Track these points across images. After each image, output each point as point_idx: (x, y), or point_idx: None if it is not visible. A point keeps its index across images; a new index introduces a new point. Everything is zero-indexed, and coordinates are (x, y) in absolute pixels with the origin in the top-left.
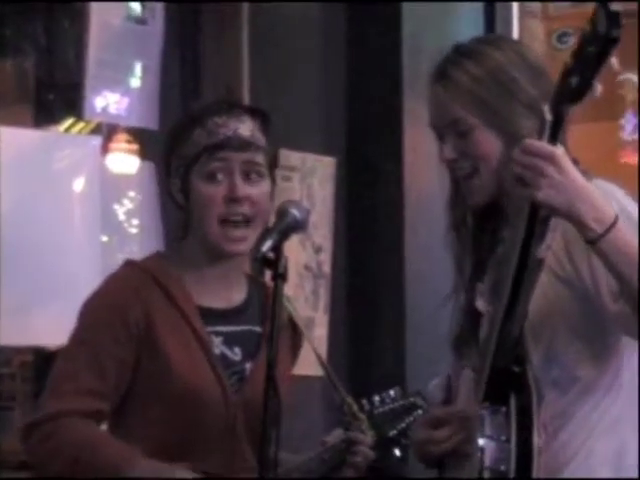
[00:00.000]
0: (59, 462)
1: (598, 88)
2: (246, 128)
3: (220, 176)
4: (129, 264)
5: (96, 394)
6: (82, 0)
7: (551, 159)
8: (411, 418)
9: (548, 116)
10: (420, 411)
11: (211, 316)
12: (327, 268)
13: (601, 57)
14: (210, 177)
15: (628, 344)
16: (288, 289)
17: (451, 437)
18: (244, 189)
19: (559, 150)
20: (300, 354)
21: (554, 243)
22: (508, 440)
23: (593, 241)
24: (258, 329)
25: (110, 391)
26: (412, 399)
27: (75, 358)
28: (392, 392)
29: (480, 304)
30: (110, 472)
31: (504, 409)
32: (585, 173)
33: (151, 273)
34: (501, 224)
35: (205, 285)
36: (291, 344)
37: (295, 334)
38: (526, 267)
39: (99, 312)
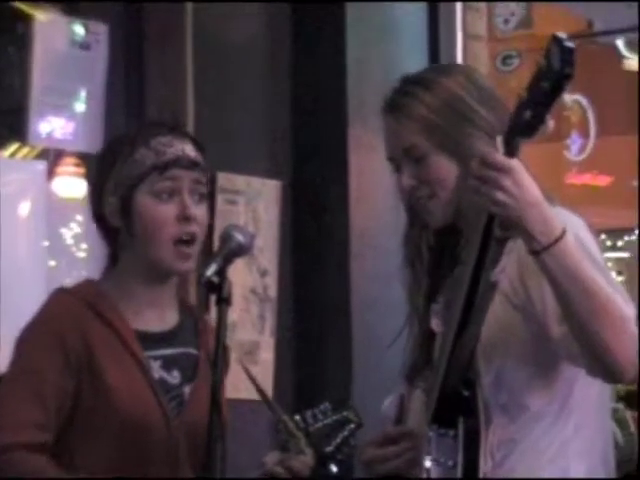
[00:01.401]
0: None
1: (551, 123)
2: (191, 149)
3: (169, 196)
4: (61, 291)
5: (38, 426)
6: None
7: (508, 172)
8: (345, 432)
9: (501, 149)
10: (353, 425)
11: (148, 340)
12: (273, 292)
13: (554, 92)
14: (158, 196)
15: (582, 372)
16: (233, 313)
17: (398, 456)
18: (194, 209)
19: (516, 163)
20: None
21: (509, 269)
22: (455, 465)
23: (537, 252)
24: (193, 351)
25: (52, 421)
26: (345, 413)
27: (15, 389)
28: (322, 407)
29: (435, 324)
30: None
31: (452, 432)
32: (548, 198)
33: (86, 300)
34: (460, 247)
35: (139, 309)
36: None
37: (224, 360)
38: (478, 287)
39: (37, 341)
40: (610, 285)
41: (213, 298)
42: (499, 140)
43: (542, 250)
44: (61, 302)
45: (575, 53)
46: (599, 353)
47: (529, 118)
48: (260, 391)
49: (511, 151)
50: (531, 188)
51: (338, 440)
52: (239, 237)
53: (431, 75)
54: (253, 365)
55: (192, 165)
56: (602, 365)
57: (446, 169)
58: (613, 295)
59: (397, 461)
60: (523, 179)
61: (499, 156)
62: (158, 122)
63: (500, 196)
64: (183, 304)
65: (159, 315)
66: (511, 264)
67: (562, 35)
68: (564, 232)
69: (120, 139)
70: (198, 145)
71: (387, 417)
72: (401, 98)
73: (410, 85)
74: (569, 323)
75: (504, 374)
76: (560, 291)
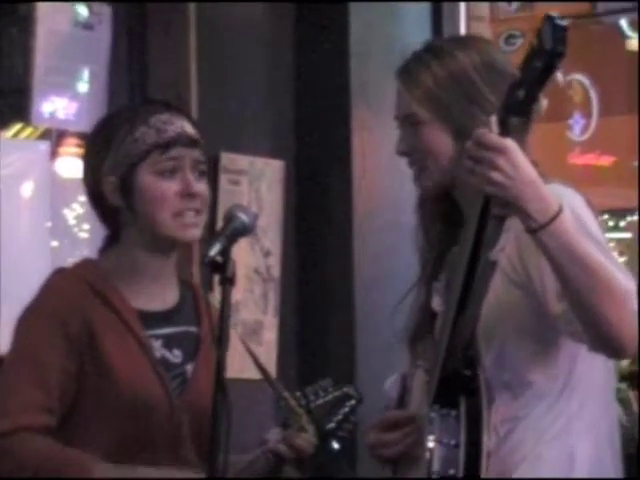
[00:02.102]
0: (19, 478)
1: (544, 102)
2: (190, 126)
3: (171, 173)
4: (61, 272)
5: (42, 409)
6: (28, 0)
7: (503, 151)
8: (346, 409)
9: (494, 128)
10: (353, 401)
11: (149, 319)
12: (276, 272)
13: (547, 71)
14: (161, 174)
15: (584, 348)
16: (237, 293)
17: (402, 439)
18: (196, 185)
19: (511, 143)
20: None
21: (508, 247)
22: (457, 444)
23: (534, 230)
24: (194, 329)
25: (55, 404)
26: (345, 389)
27: (18, 373)
28: (323, 383)
29: (436, 303)
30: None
31: (454, 412)
32: (542, 176)
33: (85, 280)
34: (460, 223)
35: (140, 288)
36: None
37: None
38: (476, 267)
39: (38, 324)
40: (609, 260)
41: (217, 278)
42: (493, 120)
43: (539, 228)
44: (61, 283)
45: (567, 31)
46: (601, 329)
47: (523, 97)
48: (261, 368)
49: (505, 130)
50: (526, 167)
51: (339, 416)
52: (242, 217)
53: (448, 46)
54: (257, 345)
55: (193, 143)
56: (604, 340)
57: (441, 142)
58: (613, 270)
59: (400, 445)
60: (518, 158)
61: (493, 136)
62: (151, 100)
63: (495, 176)
64: (183, 282)
65: (160, 293)
66: (510, 242)
67: (554, 14)
68: (561, 209)
69: (114, 118)
70: (195, 123)
71: (389, 397)
72: (413, 64)
73: (425, 52)
74: (569, 300)
75: (505, 352)
76: (559, 268)
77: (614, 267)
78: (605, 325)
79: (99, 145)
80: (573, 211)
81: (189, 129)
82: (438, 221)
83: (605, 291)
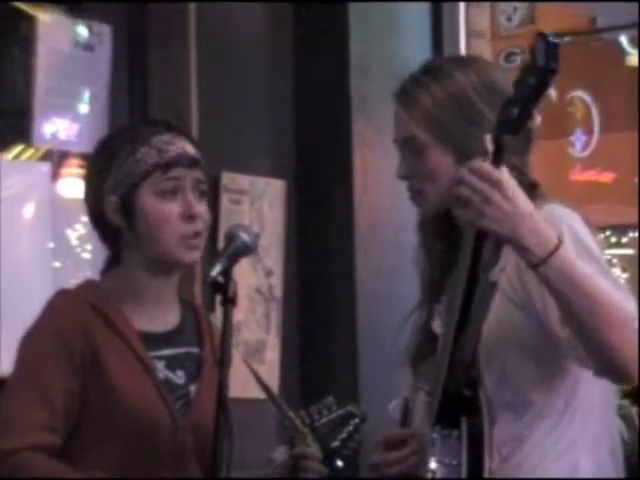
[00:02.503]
0: None
1: (538, 119)
2: (191, 146)
3: (172, 194)
4: (63, 294)
5: (47, 428)
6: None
7: (497, 185)
8: (350, 427)
9: (489, 146)
10: (357, 419)
11: (151, 340)
12: (278, 291)
13: (540, 88)
14: (162, 195)
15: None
16: (239, 312)
17: (405, 459)
18: (197, 206)
19: (505, 175)
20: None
21: (508, 267)
22: (459, 464)
23: (535, 266)
24: (196, 350)
25: (60, 424)
26: (349, 408)
27: (22, 393)
28: (327, 402)
29: (436, 325)
30: None
31: (456, 433)
32: (543, 196)
33: (88, 301)
34: (461, 244)
35: (141, 309)
36: None
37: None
38: (474, 290)
39: (42, 345)
40: (609, 281)
41: (218, 298)
42: (487, 138)
43: (540, 263)
44: (63, 304)
45: (560, 48)
46: (605, 356)
47: (516, 115)
48: (265, 388)
49: (499, 149)
50: (520, 199)
51: (344, 435)
52: (244, 237)
53: (446, 67)
54: (259, 364)
55: (194, 163)
56: (609, 367)
57: (442, 164)
58: (613, 293)
59: (402, 465)
60: (513, 192)
61: (488, 166)
62: (152, 120)
63: (489, 210)
64: (184, 302)
65: (162, 314)
66: (510, 262)
67: (547, 32)
68: (560, 242)
69: (116, 138)
70: (195, 143)
71: (393, 420)
72: (411, 86)
73: (423, 74)
74: (570, 326)
75: (507, 372)
76: (561, 299)
77: (614, 288)
78: (607, 350)
79: (101, 165)
80: (572, 232)
81: (190, 149)
82: (439, 242)
83: (607, 317)
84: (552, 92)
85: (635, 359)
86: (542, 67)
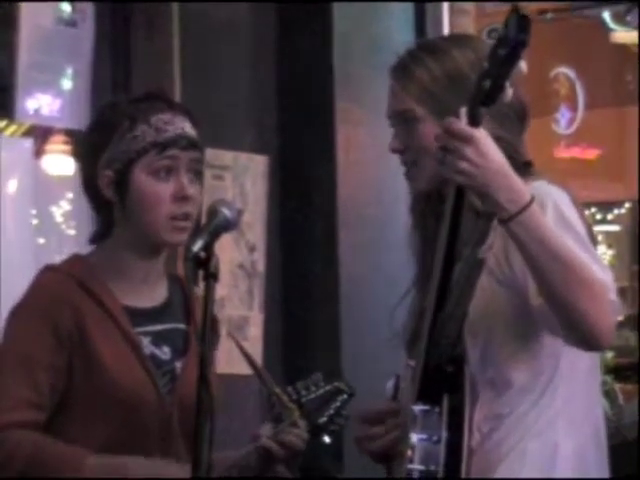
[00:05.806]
0: (11, 473)
1: (509, 92)
2: (190, 127)
3: (166, 174)
4: (50, 269)
5: (32, 405)
6: (12, 0)
7: (469, 141)
8: (337, 403)
9: (464, 119)
10: (345, 395)
11: (137, 316)
12: (261, 267)
13: (511, 60)
14: (156, 174)
15: (567, 346)
16: (222, 288)
17: (386, 434)
18: (190, 188)
19: (480, 132)
20: (235, 353)
21: (495, 245)
22: (439, 440)
23: (505, 220)
24: (183, 326)
25: (45, 400)
26: (336, 384)
27: (7, 371)
28: (314, 377)
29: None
30: (65, 471)
31: (437, 409)
32: (534, 173)
33: (74, 276)
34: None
35: (129, 285)
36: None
37: (214, 332)
38: (452, 261)
39: (27, 321)
40: (588, 254)
41: (201, 273)
42: (463, 111)
43: (510, 218)
44: (49, 280)
45: (531, 22)
46: (575, 321)
47: (488, 87)
48: (252, 364)
49: (474, 121)
50: (495, 156)
51: (331, 411)
52: (226, 212)
53: (443, 44)
54: (242, 341)
55: (191, 145)
56: (579, 333)
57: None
58: (588, 263)
59: (383, 439)
60: (486, 147)
61: (461, 125)
62: (155, 95)
63: (463, 165)
64: (172, 278)
65: (148, 290)
66: (497, 240)
67: (521, 6)
68: (532, 200)
69: (115, 112)
70: (194, 121)
71: (377, 395)
72: (408, 61)
73: (420, 50)
74: (543, 292)
75: (490, 349)
76: (531, 259)
77: (591, 260)
78: (578, 317)
79: (98, 138)
80: (556, 207)
81: (189, 130)
82: (433, 220)
83: (578, 282)
84: (523, 65)
85: (606, 326)
86: (512, 39)
